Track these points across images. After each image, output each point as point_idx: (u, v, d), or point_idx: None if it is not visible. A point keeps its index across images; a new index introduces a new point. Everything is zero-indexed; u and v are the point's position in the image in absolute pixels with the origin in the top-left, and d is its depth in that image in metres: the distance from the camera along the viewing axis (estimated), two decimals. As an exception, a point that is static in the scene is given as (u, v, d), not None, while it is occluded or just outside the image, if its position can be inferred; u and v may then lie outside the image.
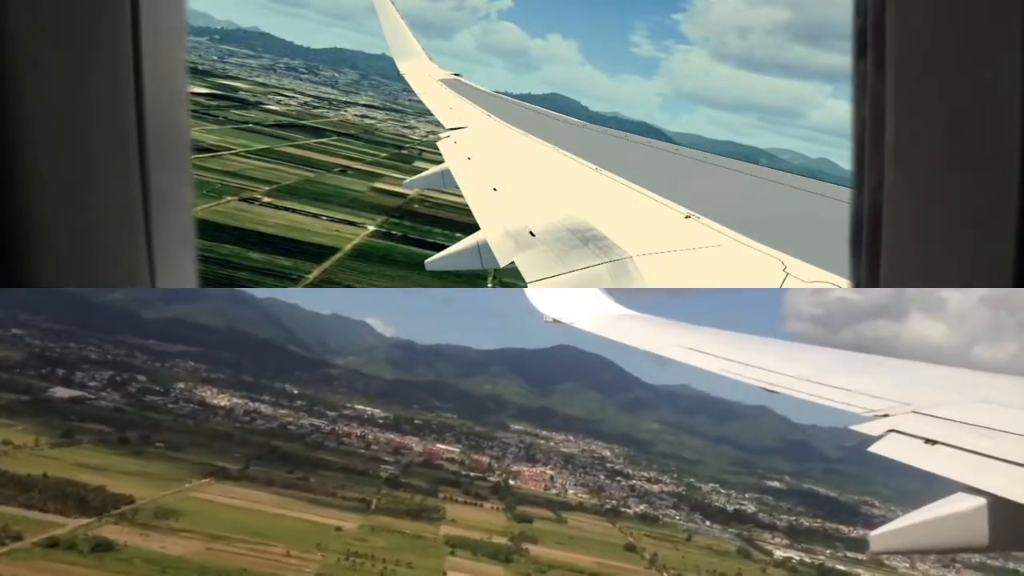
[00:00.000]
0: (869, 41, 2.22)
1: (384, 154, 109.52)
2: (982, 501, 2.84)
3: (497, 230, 10.12)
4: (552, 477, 66.61)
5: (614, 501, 61.69)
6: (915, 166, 2.20)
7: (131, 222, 2.03)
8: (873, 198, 2.30)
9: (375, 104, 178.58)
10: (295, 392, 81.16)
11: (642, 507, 61.27)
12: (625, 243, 8.38)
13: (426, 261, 14.04)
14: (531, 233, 9.35)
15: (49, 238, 1.92)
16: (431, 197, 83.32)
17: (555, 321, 8.51)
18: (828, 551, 57.48)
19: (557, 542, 47.23)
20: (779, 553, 53.97)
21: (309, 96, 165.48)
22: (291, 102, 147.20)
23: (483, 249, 10.63)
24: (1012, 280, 2.10)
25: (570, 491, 63.05)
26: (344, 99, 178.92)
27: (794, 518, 67.07)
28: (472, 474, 62.20)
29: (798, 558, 53.64)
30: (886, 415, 4.13)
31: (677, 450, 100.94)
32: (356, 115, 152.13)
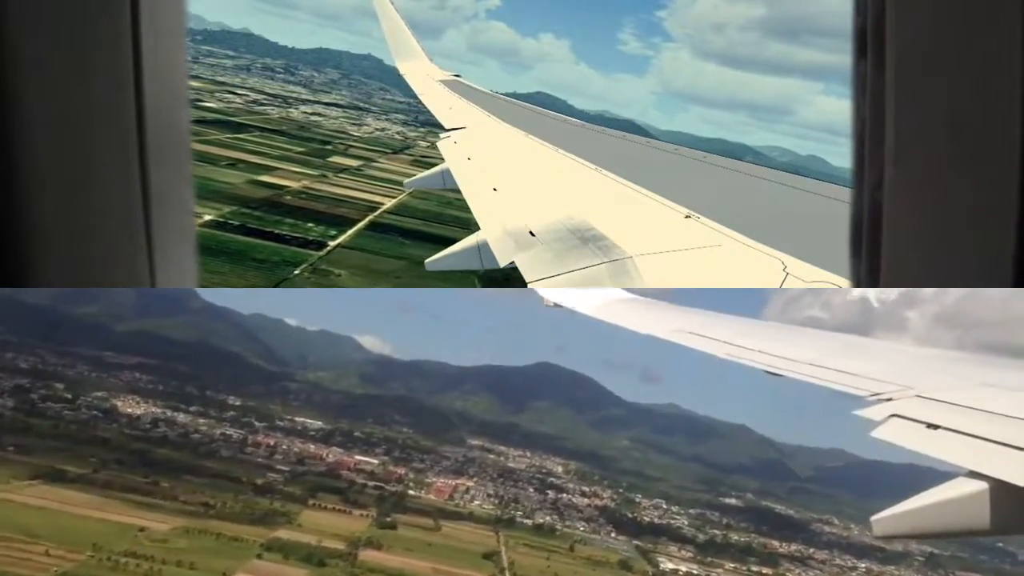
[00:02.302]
0: (869, 41, 2.22)
1: (301, 149, 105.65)
2: (984, 485, 2.84)
3: (497, 230, 10.14)
4: (468, 489, 64.16)
5: (519, 512, 59.78)
6: (915, 166, 2.20)
7: (131, 222, 2.03)
8: (873, 198, 2.30)
9: (340, 103, 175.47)
10: (236, 404, 77.22)
11: (548, 519, 59.53)
12: (625, 243, 8.39)
13: (426, 261, 14.04)
14: (531, 233, 9.36)
15: (49, 238, 1.92)
16: (314, 190, 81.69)
17: (556, 305, 8.49)
18: (732, 565, 56.21)
19: (406, 548, 45.92)
20: (670, 565, 52.77)
21: (267, 95, 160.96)
22: (237, 100, 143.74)
23: (483, 249, 10.65)
24: (1012, 280, 2.10)
25: (475, 502, 60.91)
26: (309, 97, 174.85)
27: (723, 533, 65.07)
28: (370, 484, 59.83)
29: (686, 570, 52.65)
30: (889, 399, 4.12)
31: (640, 467, 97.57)
32: (306, 112, 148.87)
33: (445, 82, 32.74)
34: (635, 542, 57.32)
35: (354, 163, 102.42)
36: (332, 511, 51.16)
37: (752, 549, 61.39)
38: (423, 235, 69.80)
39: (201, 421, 68.17)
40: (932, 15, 2.11)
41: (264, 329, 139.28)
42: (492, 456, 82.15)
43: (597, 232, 8.93)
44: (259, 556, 40.27)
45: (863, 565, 63.04)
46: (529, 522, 57.70)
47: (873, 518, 3.07)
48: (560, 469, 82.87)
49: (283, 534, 44.22)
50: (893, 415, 3.87)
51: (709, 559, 56.48)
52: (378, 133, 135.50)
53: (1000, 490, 2.81)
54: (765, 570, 56.48)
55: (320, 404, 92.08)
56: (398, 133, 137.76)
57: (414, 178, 23.59)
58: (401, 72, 34.77)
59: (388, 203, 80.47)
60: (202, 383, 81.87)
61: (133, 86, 1.96)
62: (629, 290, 7.89)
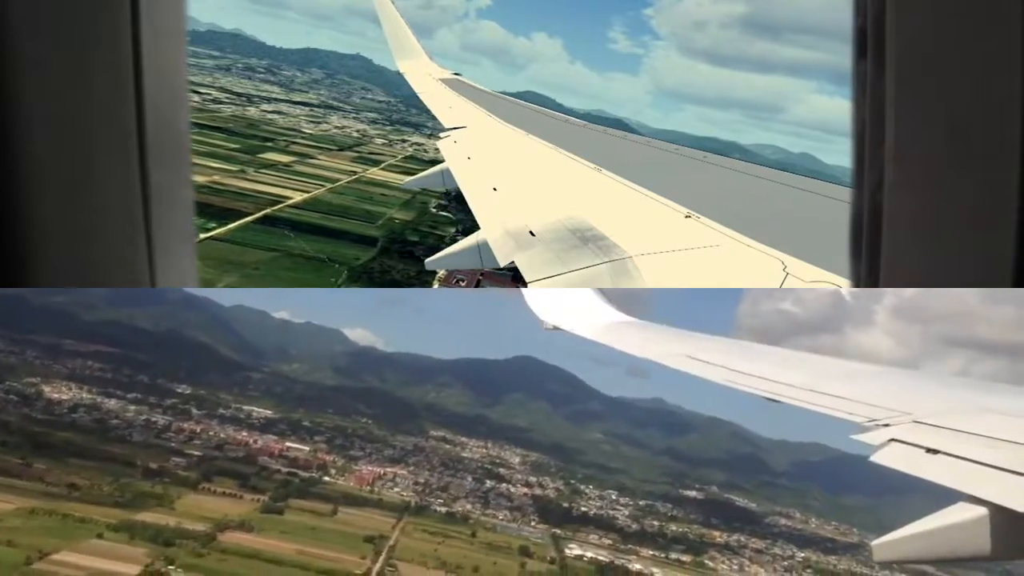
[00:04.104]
0: (869, 41, 2.21)
1: (235, 146, 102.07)
2: (983, 511, 2.84)
3: (497, 230, 10.13)
4: (395, 477, 61.93)
5: (438, 500, 58.07)
6: (915, 166, 2.20)
7: (131, 222, 2.03)
8: (873, 198, 2.30)
9: (311, 102, 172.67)
10: (184, 392, 74.51)
11: (467, 507, 57.68)
12: (625, 243, 8.39)
13: (427, 260, 14.05)
14: (531, 233, 9.35)
15: (49, 238, 1.92)
16: (221, 184, 79.63)
17: (555, 328, 8.50)
18: (651, 552, 54.93)
19: (282, 532, 44.28)
20: (577, 551, 51.51)
21: (233, 93, 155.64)
22: (195, 98, 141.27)
23: (483, 249, 10.64)
24: (1012, 280, 2.10)
25: (395, 490, 58.99)
26: (281, 97, 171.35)
27: (662, 523, 63.42)
28: (284, 470, 57.95)
29: (593, 555, 51.23)
30: (887, 424, 4.12)
31: (606, 460, 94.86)
32: (265, 110, 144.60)
33: (445, 81, 32.73)
34: (555, 530, 55.82)
35: (287, 159, 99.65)
36: (221, 495, 49.49)
37: (682, 538, 59.95)
38: (318, 229, 69.75)
39: (132, 408, 65.86)
40: (932, 15, 2.11)
41: (243, 321, 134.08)
42: (447, 447, 79.36)
43: (597, 232, 8.92)
44: (100, 536, 38.64)
45: (802, 555, 62.03)
46: (444, 510, 56.09)
47: (873, 543, 3.07)
48: (517, 460, 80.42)
49: (145, 516, 42.41)
50: (892, 440, 3.87)
51: (628, 546, 55.27)
52: (335, 131, 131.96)
53: (999, 515, 2.81)
54: (684, 558, 55.32)
55: (281, 394, 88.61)
56: (358, 131, 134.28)
57: (413, 178, 23.63)
58: (401, 71, 34.75)
59: (298, 198, 79.37)
60: (156, 372, 78.73)
61: (133, 86, 1.96)
62: (628, 290, 7.88)
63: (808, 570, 57.58)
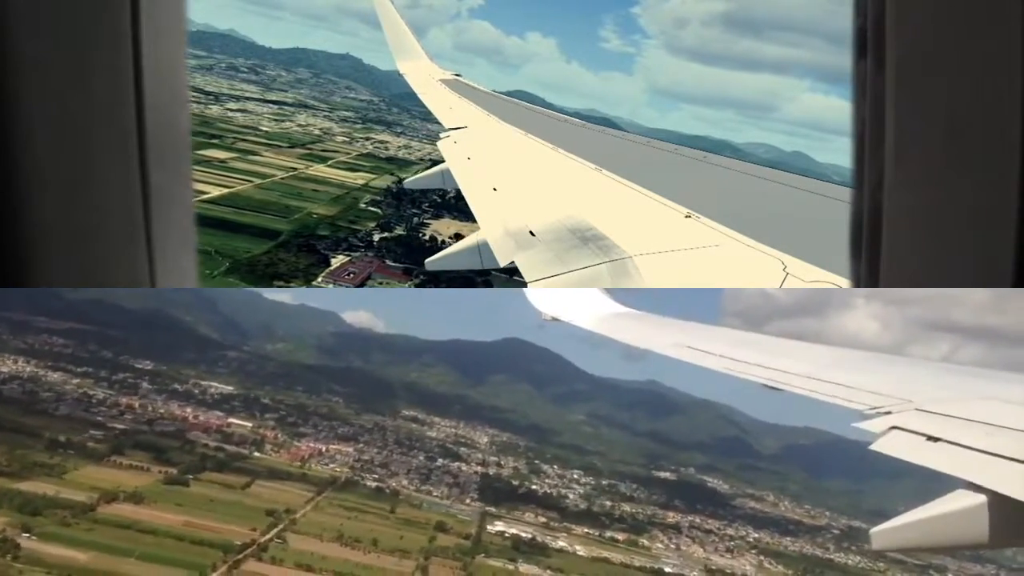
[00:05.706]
0: (869, 41, 2.22)
1: None
2: (982, 498, 2.84)
3: (497, 230, 10.13)
4: (336, 453, 60.37)
5: (372, 476, 56.71)
6: (915, 166, 2.20)
7: (131, 222, 2.04)
8: (873, 198, 2.30)
9: (285, 101, 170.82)
10: (144, 368, 72.81)
11: (400, 484, 56.52)
12: (625, 243, 8.39)
13: (427, 261, 14.05)
14: (531, 233, 9.35)
15: (49, 238, 1.92)
16: None
17: (553, 319, 8.51)
18: (586, 530, 54.23)
19: (177, 503, 43.04)
20: (500, 528, 50.73)
21: (202, 92, 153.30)
22: None
23: (483, 249, 10.64)
24: (1012, 280, 2.10)
25: (330, 466, 57.54)
26: (255, 95, 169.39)
27: (614, 504, 62.68)
28: (212, 445, 56.26)
29: (516, 532, 50.31)
30: (888, 412, 4.13)
31: (583, 441, 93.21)
32: (229, 108, 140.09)
33: (445, 82, 32.73)
34: (487, 508, 54.67)
35: (225, 156, 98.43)
36: (127, 468, 47.90)
37: (628, 518, 58.97)
38: (222, 223, 69.62)
39: (74, 382, 64.36)
40: (932, 15, 2.11)
41: (231, 300, 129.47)
42: (413, 426, 77.84)
43: (597, 232, 8.93)
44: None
45: (756, 535, 61.26)
46: (374, 486, 54.83)
47: (872, 531, 3.07)
48: (485, 440, 78.95)
49: (25, 486, 41.20)
50: (893, 427, 3.87)
51: (563, 525, 54.54)
52: (295, 129, 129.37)
53: (998, 502, 2.81)
54: (619, 536, 54.62)
55: (252, 373, 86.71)
56: (321, 129, 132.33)
57: (413, 178, 23.65)
58: (401, 72, 34.74)
59: (216, 193, 78.99)
60: (122, 349, 77.37)
61: (133, 86, 1.97)
62: (628, 290, 7.89)
63: (753, 550, 56.88)
